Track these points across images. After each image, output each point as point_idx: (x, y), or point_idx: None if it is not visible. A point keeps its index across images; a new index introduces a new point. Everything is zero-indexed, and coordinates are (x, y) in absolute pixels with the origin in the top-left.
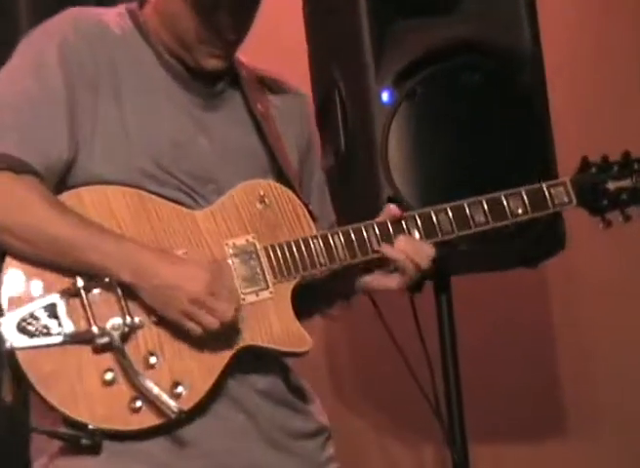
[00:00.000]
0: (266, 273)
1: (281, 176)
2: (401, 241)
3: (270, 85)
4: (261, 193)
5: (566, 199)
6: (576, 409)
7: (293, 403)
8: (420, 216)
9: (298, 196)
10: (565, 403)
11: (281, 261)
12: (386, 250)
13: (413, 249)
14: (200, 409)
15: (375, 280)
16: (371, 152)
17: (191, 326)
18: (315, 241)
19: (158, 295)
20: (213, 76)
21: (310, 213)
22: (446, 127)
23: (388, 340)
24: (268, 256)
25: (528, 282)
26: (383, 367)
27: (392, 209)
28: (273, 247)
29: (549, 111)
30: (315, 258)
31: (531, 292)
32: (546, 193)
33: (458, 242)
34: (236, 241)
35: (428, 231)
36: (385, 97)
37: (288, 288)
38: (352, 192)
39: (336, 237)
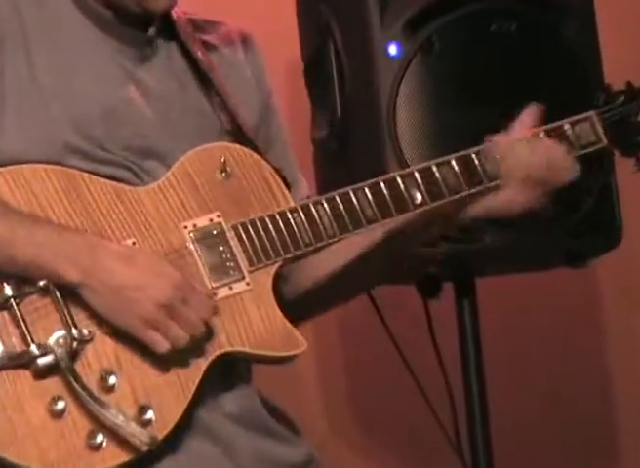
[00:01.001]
0: (239, 259)
1: (239, 139)
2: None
3: (205, 28)
4: (221, 159)
5: (593, 138)
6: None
7: (274, 428)
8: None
9: (265, 160)
10: (619, 428)
11: (256, 243)
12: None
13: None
14: (170, 439)
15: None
16: (375, 120)
17: (156, 339)
18: (295, 214)
19: (113, 299)
20: (143, 21)
21: (283, 179)
22: (470, 89)
23: (395, 357)
24: (239, 238)
25: (573, 283)
26: (389, 392)
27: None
28: (244, 225)
29: (602, 72)
30: (298, 236)
31: (577, 296)
32: (570, 132)
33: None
34: (197, 222)
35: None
36: (393, 50)
37: (268, 276)
38: (350, 170)
39: (319, 207)
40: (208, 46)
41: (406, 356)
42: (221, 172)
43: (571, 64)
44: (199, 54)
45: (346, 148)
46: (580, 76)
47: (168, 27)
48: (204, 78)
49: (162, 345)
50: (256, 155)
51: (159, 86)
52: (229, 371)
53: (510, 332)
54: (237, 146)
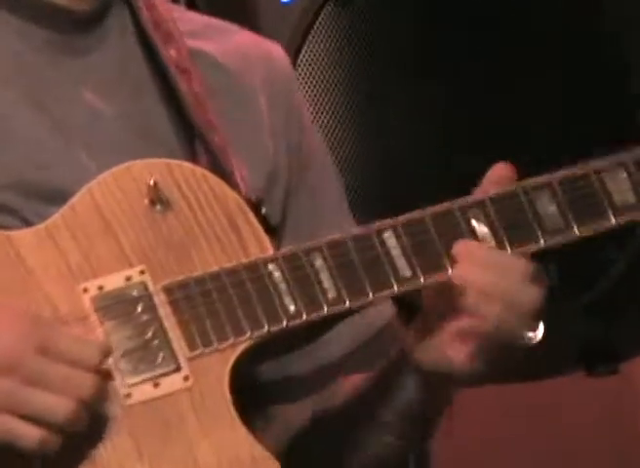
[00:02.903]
0: (173, 340)
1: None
2: (466, 251)
3: (203, 33)
4: (150, 183)
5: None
6: None
7: None
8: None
9: (238, 189)
10: None
11: (202, 314)
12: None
13: (495, 268)
14: None
15: (423, 349)
16: None
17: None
18: (273, 266)
19: None
20: None
21: (259, 213)
22: (408, 60)
23: None
24: (175, 307)
25: None
26: None
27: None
28: (183, 286)
29: None
30: (277, 302)
31: None
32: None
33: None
34: (104, 281)
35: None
36: None
37: (222, 366)
38: None
39: (317, 255)
40: (199, 55)
41: None
42: (152, 202)
43: (608, 43)
44: (171, 52)
45: None
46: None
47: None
48: (173, 91)
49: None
50: (213, 177)
51: (94, 93)
52: None
53: None
54: (184, 164)
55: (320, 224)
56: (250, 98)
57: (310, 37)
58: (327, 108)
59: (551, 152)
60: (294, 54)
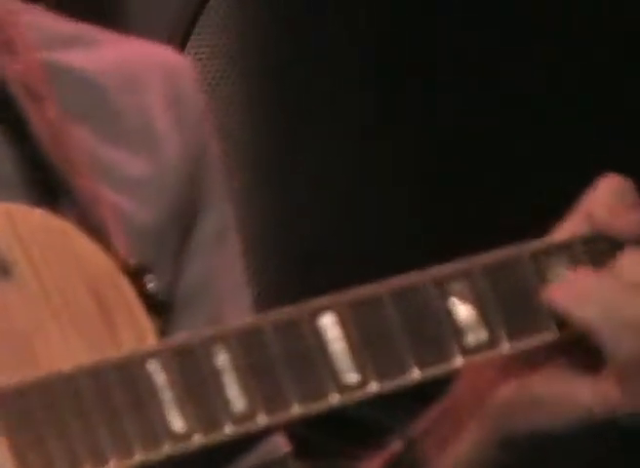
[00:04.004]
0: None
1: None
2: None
3: (72, 42)
4: None
5: None
6: None
7: None
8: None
9: (113, 253)
10: None
11: (48, 436)
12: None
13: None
14: None
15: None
16: None
17: None
18: (155, 365)
19: None
20: None
21: (140, 284)
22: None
23: None
24: (8, 427)
25: None
26: None
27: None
28: (22, 395)
29: None
30: (156, 417)
31: None
32: None
33: None
34: None
35: None
36: None
37: None
38: None
39: (220, 348)
40: (61, 71)
41: None
42: None
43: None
44: (15, 70)
45: None
46: None
47: None
48: (19, 123)
49: None
50: (75, 231)
51: None
52: None
53: None
54: (32, 212)
55: (220, 299)
56: (138, 124)
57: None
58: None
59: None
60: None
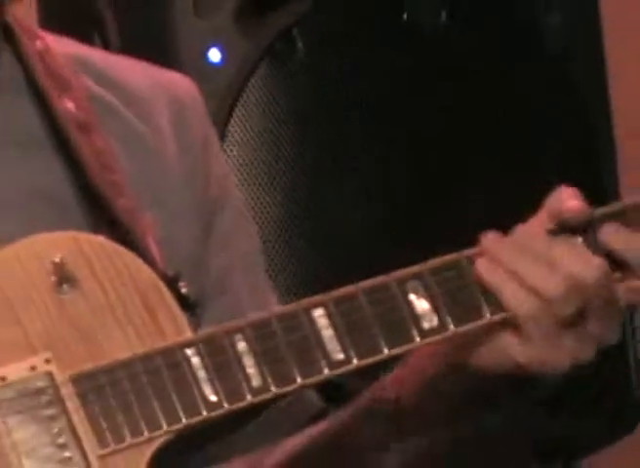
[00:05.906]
0: (82, 436)
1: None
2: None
3: (98, 73)
4: (57, 260)
5: None
6: None
7: None
8: None
9: (153, 264)
10: None
11: (115, 407)
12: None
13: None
14: None
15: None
16: None
17: None
18: (191, 351)
19: None
20: None
21: (176, 290)
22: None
23: None
24: (84, 399)
25: None
26: None
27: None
28: (93, 376)
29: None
30: (195, 392)
31: None
32: None
33: None
34: (7, 372)
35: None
36: (215, 55)
37: (137, 464)
38: None
39: (239, 337)
40: (99, 101)
41: None
42: (58, 282)
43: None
44: (68, 104)
45: None
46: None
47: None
48: (70, 150)
49: None
50: (125, 251)
51: None
52: None
53: None
54: (93, 237)
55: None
56: (156, 149)
57: (242, 102)
58: (257, 179)
59: None
60: (224, 117)
